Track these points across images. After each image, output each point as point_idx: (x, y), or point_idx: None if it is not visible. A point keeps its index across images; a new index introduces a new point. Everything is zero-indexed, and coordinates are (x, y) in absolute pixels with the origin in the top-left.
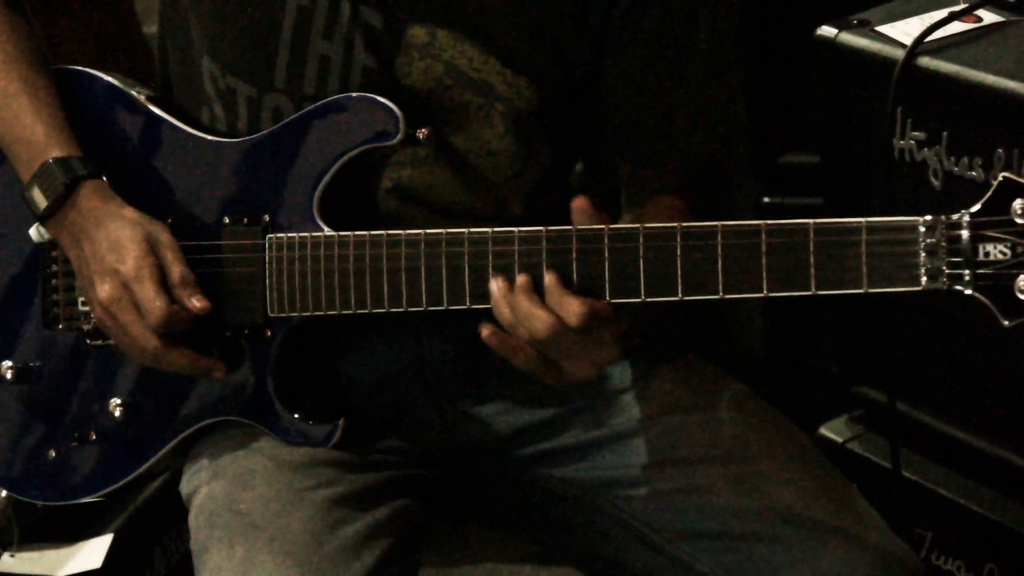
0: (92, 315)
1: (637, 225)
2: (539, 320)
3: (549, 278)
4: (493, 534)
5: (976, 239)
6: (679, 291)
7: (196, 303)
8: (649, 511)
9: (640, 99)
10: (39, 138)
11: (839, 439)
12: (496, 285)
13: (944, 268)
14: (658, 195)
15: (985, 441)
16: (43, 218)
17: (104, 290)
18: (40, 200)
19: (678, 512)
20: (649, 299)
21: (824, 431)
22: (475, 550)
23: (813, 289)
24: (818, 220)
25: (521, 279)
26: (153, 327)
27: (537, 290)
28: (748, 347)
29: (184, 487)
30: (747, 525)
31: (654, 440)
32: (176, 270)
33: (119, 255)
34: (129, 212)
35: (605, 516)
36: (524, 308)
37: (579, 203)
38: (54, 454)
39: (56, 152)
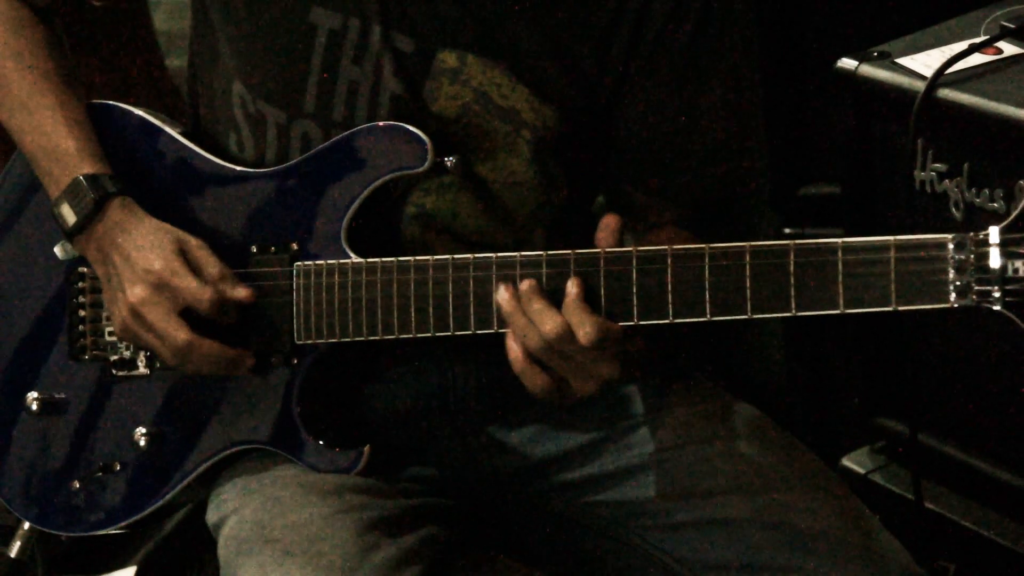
0: (113, 324)
1: (665, 247)
2: (549, 320)
3: (571, 287)
4: (518, 564)
5: (1006, 255)
6: (707, 311)
7: (241, 291)
8: (673, 542)
9: (657, 130)
10: (70, 154)
11: (861, 470)
12: (506, 291)
13: (973, 284)
14: (664, 227)
15: (1008, 472)
16: (72, 234)
17: (135, 293)
18: (69, 216)
19: (702, 543)
20: (677, 320)
21: (846, 462)
22: None
23: (841, 308)
24: (846, 239)
25: (530, 283)
26: (205, 312)
27: (554, 299)
28: (770, 378)
29: (211, 516)
30: (770, 556)
31: (677, 471)
32: (212, 267)
33: (148, 258)
34: (156, 221)
35: (629, 547)
36: (535, 308)
37: (610, 220)
38: (78, 485)
39: (87, 169)
